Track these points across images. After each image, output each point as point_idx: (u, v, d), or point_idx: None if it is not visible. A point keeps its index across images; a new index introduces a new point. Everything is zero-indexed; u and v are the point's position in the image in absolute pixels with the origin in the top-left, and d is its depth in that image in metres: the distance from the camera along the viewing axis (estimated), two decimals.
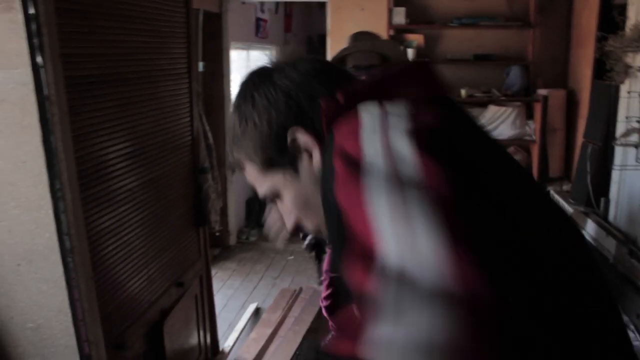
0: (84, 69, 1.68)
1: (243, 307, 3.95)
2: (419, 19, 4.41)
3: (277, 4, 6.40)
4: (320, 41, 8.57)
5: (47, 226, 1.51)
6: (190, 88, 2.56)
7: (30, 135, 1.45)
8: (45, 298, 1.56)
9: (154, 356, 2.23)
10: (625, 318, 2.97)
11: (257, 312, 3.88)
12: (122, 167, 1.95)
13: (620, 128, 3.33)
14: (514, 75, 4.33)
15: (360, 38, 2.35)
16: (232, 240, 5.19)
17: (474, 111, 4.45)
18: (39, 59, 1.41)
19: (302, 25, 7.99)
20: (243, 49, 5.59)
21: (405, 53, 2.54)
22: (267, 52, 6.49)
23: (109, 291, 1.87)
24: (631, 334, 2.86)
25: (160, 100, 2.25)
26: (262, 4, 5.72)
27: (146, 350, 2.17)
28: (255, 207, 5.80)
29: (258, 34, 5.78)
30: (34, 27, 1.38)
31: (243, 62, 5.71)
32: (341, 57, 2.33)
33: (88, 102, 1.73)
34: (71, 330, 1.59)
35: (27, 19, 1.36)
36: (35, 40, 1.39)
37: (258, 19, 5.71)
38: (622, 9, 3.45)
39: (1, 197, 1.51)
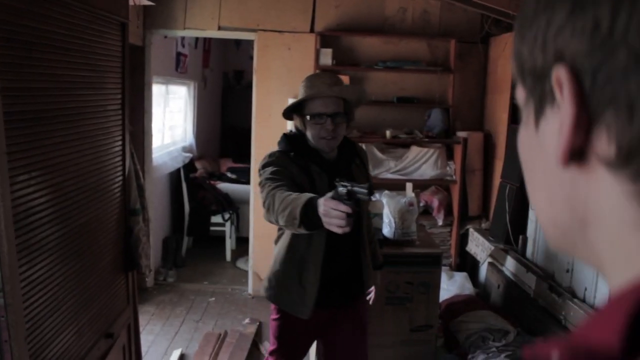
0: (22, 104, 1.53)
1: (166, 354, 3.73)
2: (345, 60, 4.51)
3: (197, 38, 6.32)
4: (235, 77, 8.56)
5: None
6: (124, 125, 2.42)
7: None
8: None
9: None
10: None
11: (182, 359, 3.67)
12: (55, 211, 1.78)
13: None
14: (435, 117, 4.50)
15: (322, 81, 2.10)
16: (149, 282, 4.93)
17: (398, 152, 4.58)
18: None
19: (218, 61, 7.94)
20: (162, 83, 5.44)
21: (366, 97, 2.31)
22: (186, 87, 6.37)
23: (37, 350, 1.68)
24: None
25: (94, 138, 2.10)
26: (183, 38, 5.62)
27: None
28: (172, 245, 5.57)
29: (178, 69, 5.66)
30: None
31: (162, 97, 5.55)
32: (299, 103, 2.12)
33: (23, 141, 1.57)
34: None
35: None
36: None
37: (178, 54, 5.60)
38: None
39: None
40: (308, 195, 1.74)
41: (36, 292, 1.67)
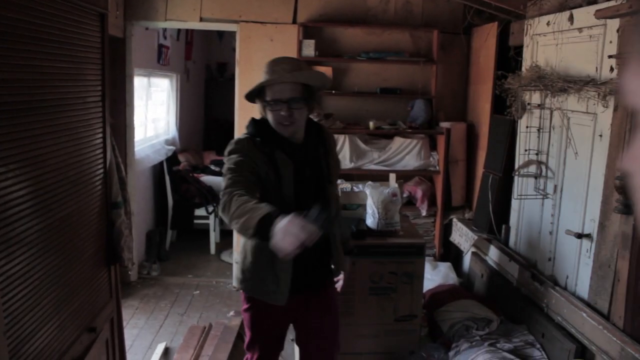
0: None
1: (151, 348, 3.72)
2: (328, 52, 4.49)
3: (179, 30, 6.26)
4: (218, 70, 8.50)
5: None
6: (104, 117, 2.39)
7: None
8: None
9: None
10: (531, 337, 3.13)
11: (166, 353, 3.66)
12: (34, 204, 1.76)
13: (519, 160, 3.57)
14: (418, 108, 4.51)
15: (281, 66, 2.10)
16: (133, 275, 4.90)
17: (381, 143, 4.58)
18: None
19: (201, 53, 7.88)
20: (144, 75, 5.38)
21: (330, 81, 2.28)
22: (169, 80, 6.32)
23: (16, 345, 1.66)
24: (537, 352, 3.02)
25: (74, 131, 2.08)
26: (164, 30, 5.56)
27: None
28: (156, 239, 5.53)
29: (160, 61, 5.60)
30: None
31: (144, 89, 5.49)
32: (259, 89, 2.12)
33: (1, 133, 1.54)
34: None
35: None
36: None
37: (160, 46, 5.54)
38: (518, 50, 3.74)
39: None
40: (266, 208, 1.74)
41: (15, 287, 1.64)
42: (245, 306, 2.31)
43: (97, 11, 2.26)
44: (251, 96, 2.19)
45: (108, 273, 2.53)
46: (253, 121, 2.21)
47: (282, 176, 2.10)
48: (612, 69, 2.62)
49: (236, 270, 2.28)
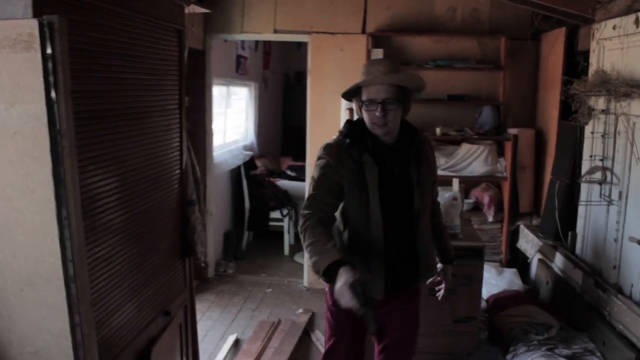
0: (88, 104, 1.77)
1: (222, 338, 3.98)
2: (396, 60, 4.62)
3: (257, 42, 6.60)
4: (296, 78, 8.81)
5: (52, 252, 1.57)
6: (181, 123, 2.66)
7: (40, 165, 1.53)
8: (46, 322, 1.62)
9: None
10: (592, 345, 3.10)
11: (236, 343, 3.92)
12: (117, 198, 2.02)
13: (585, 166, 3.53)
14: (486, 114, 4.54)
15: (377, 68, 2.17)
16: (210, 272, 5.23)
17: (448, 149, 4.64)
18: (53, 95, 1.50)
19: (279, 63, 8.21)
20: (223, 84, 5.74)
21: (424, 84, 2.30)
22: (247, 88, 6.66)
23: (102, 318, 1.93)
24: None
25: (153, 135, 2.34)
26: (242, 41, 5.89)
27: None
28: (233, 239, 5.85)
29: (238, 71, 5.95)
30: (50, 65, 1.47)
31: (224, 98, 5.85)
32: (356, 89, 2.20)
33: (90, 136, 1.82)
34: (70, 354, 1.64)
35: (45, 58, 1.46)
36: (51, 78, 1.48)
37: (239, 56, 5.88)
38: (586, 55, 3.71)
39: (8, 224, 1.58)
40: (334, 256, 1.94)
41: (101, 268, 1.91)
42: (330, 302, 2.33)
43: (175, 28, 2.53)
44: (348, 95, 2.28)
45: (183, 264, 2.79)
46: (348, 122, 2.31)
47: (368, 181, 2.18)
48: None
49: None
